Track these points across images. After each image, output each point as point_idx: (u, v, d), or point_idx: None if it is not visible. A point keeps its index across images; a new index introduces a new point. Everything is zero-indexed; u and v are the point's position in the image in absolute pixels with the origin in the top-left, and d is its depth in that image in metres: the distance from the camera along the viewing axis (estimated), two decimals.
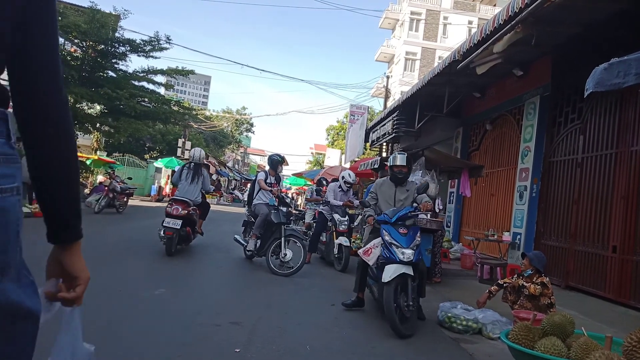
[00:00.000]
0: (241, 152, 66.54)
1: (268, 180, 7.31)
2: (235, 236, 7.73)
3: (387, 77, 23.92)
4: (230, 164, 52.07)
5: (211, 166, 29.69)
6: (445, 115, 11.06)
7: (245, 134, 60.13)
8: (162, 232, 6.84)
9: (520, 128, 9.03)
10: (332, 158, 34.05)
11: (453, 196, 11.84)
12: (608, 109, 6.55)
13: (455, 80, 10.07)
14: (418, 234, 4.59)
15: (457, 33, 34.30)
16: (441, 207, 8.03)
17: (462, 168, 8.27)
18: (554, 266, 7.21)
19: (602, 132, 6.63)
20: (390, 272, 4.20)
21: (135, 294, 4.58)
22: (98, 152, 28.92)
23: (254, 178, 7.93)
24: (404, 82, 32.41)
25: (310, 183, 21.64)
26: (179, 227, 6.71)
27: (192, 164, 7.60)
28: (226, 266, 6.96)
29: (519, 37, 6.56)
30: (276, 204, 6.94)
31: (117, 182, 13.51)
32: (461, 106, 11.70)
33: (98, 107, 16.88)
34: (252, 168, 69.50)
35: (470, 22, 34.83)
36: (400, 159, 4.97)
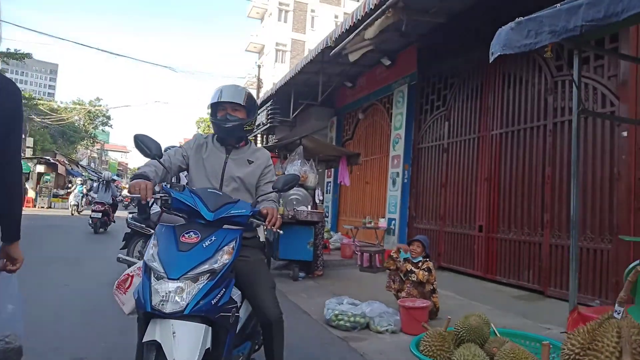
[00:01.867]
0: (97, 149, 59.89)
1: None
2: (120, 255, 5.61)
3: (259, 67, 23.29)
4: (84, 162, 46.33)
5: (59, 165, 25.89)
6: (320, 104, 10.95)
7: (101, 128, 53.90)
8: (90, 220, 11.77)
9: (390, 116, 9.24)
10: None
11: (330, 186, 11.84)
12: (470, 95, 6.91)
13: (327, 69, 9.98)
14: (228, 247, 1.99)
15: (324, 26, 35.07)
16: (321, 198, 7.79)
17: (340, 156, 8.13)
18: None
19: (465, 117, 6.99)
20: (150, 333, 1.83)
21: None
22: None
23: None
24: (274, 74, 32.14)
25: None
26: (100, 217, 11.73)
27: (104, 180, 12.67)
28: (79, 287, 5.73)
29: (389, 22, 6.54)
30: None
31: None
32: (334, 96, 11.72)
33: None
34: (111, 166, 63.03)
35: (336, 16, 35.90)
36: (228, 92, 2.40)
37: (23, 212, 1.84)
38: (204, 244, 1.90)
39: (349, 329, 4.00)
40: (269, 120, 12.59)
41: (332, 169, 10.71)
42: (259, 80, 23.78)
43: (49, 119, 34.04)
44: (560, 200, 5.22)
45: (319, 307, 4.63)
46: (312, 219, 6.24)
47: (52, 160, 26.01)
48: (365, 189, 10.44)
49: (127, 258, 5.60)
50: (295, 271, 6.25)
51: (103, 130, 56.92)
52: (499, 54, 2.66)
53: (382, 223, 8.58)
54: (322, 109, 11.92)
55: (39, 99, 41.73)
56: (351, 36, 7.43)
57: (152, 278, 1.83)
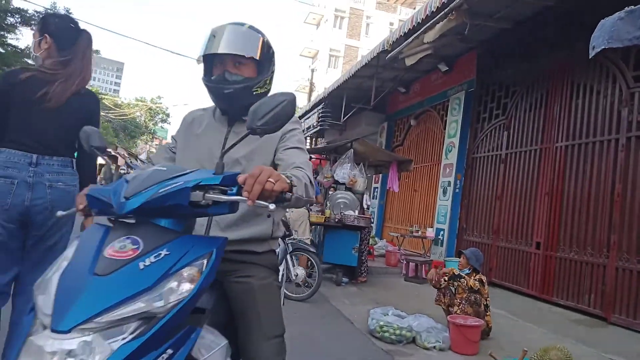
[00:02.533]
0: (156, 145, 62.69)
1: None
2: None
3: (312, 71, 23.44)
4: (143, 157, 48.56)
5: (119, 158, 27.29)
6: (371, 109, 10.82)
7: (160, 124, 56.44)
8: None
9: (444, 124, 8.96)
10: None
11: (377, 191, 11.66)
12: (533, 104, 6.55)
13: (382, 74, 9.82)
14: (190, 268, 1.08)
15: (379, 32, 34.93)
16: (369, 203, 7.65)
17: (390, 162, 7.93)
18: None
19: (527, 128, 6.63)
20: None
21: None
22: None
23: None
24: (326, 79, 32.32)
25: None
26: None
27: None
28: None
29: (451, 25, 6.31)
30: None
31: None
32: (386, 101, 11.54)
33: None
34: None
35: (391, 23, 35.65)
36: (227, 38, 1.55)
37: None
38: (141, 263, 1.04)
39: (394, 342, 3.84)
40: (320, 123, 12.60)
41: (380, 175, 10.55)
42: (312, 83, 23.96)
43: (112, 113, 36.00)
44: (631, 221, 4.80)
45: (361, 315, 4.51)
46: (359, 224, 6.12)
47: (112, 153, 27.53)
48: (413, 196, 10.18)
49: None
50: (339, 276, 6.15)
51: (162, 127, 59.60)
52: (603, 47, 2.27)
53: (430, 233, 8.30)
54: (373, 114, 11.78)
55: (104, 94, 44.33)
56: (410, 39, 7.26)
57: (34, 325, 1.01)
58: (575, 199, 5.59)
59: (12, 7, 14.21)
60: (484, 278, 4.22)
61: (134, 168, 30.98)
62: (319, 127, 12.74)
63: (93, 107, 2.32)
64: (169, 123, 56.53)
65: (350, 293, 5.85)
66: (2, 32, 14.76)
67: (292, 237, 5.17)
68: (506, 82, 7.24)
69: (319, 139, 15.78)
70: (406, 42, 7.41)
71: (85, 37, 2.28)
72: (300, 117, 15.19)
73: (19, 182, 2.02)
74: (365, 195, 6.80)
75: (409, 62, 8.04)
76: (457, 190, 8.10)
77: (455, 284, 4.23)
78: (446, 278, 4.24)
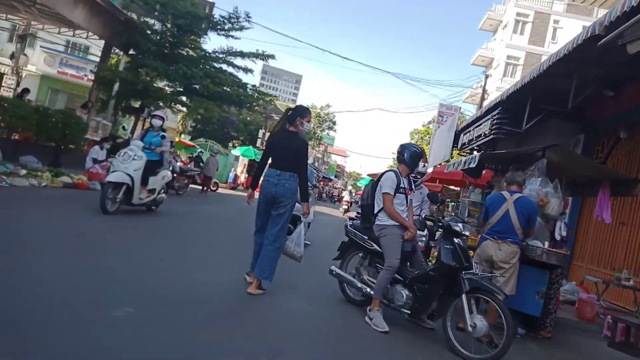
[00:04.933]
0: (322, 150, 66.03)
1: (402, 185, 4.43)
2: (333, 268, 4.78)
3: (486, 76, 21.24)
4: (309, 161, 51.48)
5: None
6: (563, 117, 8.72)
7: (327, 131, 59.21)
8: None
9: None
10: None
11: (564, 218, 9.37)
12: None
13: (582, 71, 7.75)
14: None
15: (568, 38, 30.47)
16: (564, 234, 5.82)
17: (600, 180, 5.82)
18: None
19: None
20: None
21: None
22: (182, 135, 29.58)
23: (372, 180, 5.03)
24: (501, 89, 29.35)
25: None
26: None
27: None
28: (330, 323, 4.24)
29: None
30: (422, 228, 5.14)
31: (179, 161, 12.75)
32: (584, 106, 9.21)
33: (162, 84, 16.32)
34: (331, 167, 68.67)
35: (584, 28, 30.79)
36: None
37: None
38: None
39: None
40: (493, 132, 10.78)
41: (570, 198, 8.35)
42: (484, 90, 21.70)
43: None
44: None
45: None
46: (549, 261, 4.53)
47: None
48: (619, 231, 7.77)
49: (341, 273, 4.68)
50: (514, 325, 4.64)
51: (328, 134, 62.55)
52: None
53: None
54: (565, 123, 9.54)
55: (281, 103, 48.38)
56: (638, 17, 5.33)
57: None
58: None
59: (201, 12, 15.77)
60: None
61: None
62: (492, 136, 10.93)
63: (304, 148, 4.59)
64: (335, 130, 58.89)
65: (529, 351, 4.34)
66: (193, 36, 16.57)
67: (471, 271, 3.89)
68: None
69: (489, 150, 13.80)
70: (632, 20, 5.47)
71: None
72: (469, 125, 13.49)
73: (270, 183, 4.40)
74: (559, 223, 5.12)
75: (633, 49, 5.99)
76: None
77: None
78: None
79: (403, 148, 4.52)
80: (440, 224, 4.18)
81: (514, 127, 10.00)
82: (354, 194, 34.36)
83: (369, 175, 30.24)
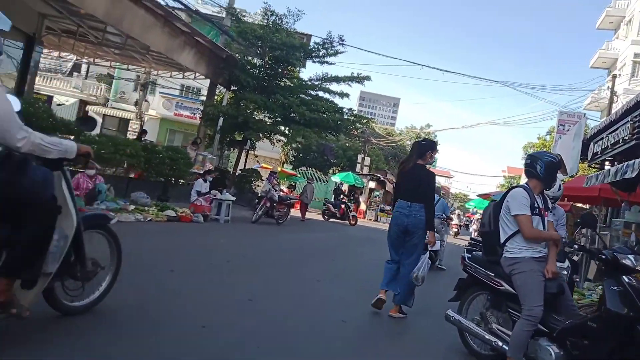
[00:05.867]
0: None
1: (537, 205, 3.52)
2: (450, 313, 3.83)
3: (614, 76, 18.48)
4: None
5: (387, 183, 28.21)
6: None
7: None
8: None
9: None
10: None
11: None
12: None
13: None
14: None
15: None
16: None
17: None
18: None
19: None
20: None
21: None
22: (285, 165, 30.49)
23: (492, 202, 4.76)
24: (630, 91, 25.26)
25: None
26: None
27: None
28: None
29: None
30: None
31: (277, 190, 12.73)
32: None
33: (262, 115, 16.70)
34: None
35: None
36: None
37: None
38: None
39: None
40: (635, 136, 8.96)
41: None
42: (613, 93, 18.86)
43: (383, 141, 38.12)
44: None
45: None
46: None
47: (382, 178, 28.87)
48: None
49: (462, 320, 3.71)
50: None
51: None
52: None
53: None
54: None
55: (380, 126, 47.96)
56: None
57: None
58: None
59: (298, 43, 15.97)
60: None
61: None
62: (633, 142, 9.09)
63: (431, 180, 4.83)
64: (438, 151, 56.55)
65: None
66: (289, 67, 16.84)
67: None
68: None
69: (621, 161, 11.56)
70: None
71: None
72: (601, 132, 11.52)
73: (402, 214, 4.68)
74: None
75: None
76: None
77: None
78: None
79: (534, 159, 3.55)
80: (602, 256, 3.05)
81: None
82: (462, 217, 32.13)
83: (479, 196, 27.87)
